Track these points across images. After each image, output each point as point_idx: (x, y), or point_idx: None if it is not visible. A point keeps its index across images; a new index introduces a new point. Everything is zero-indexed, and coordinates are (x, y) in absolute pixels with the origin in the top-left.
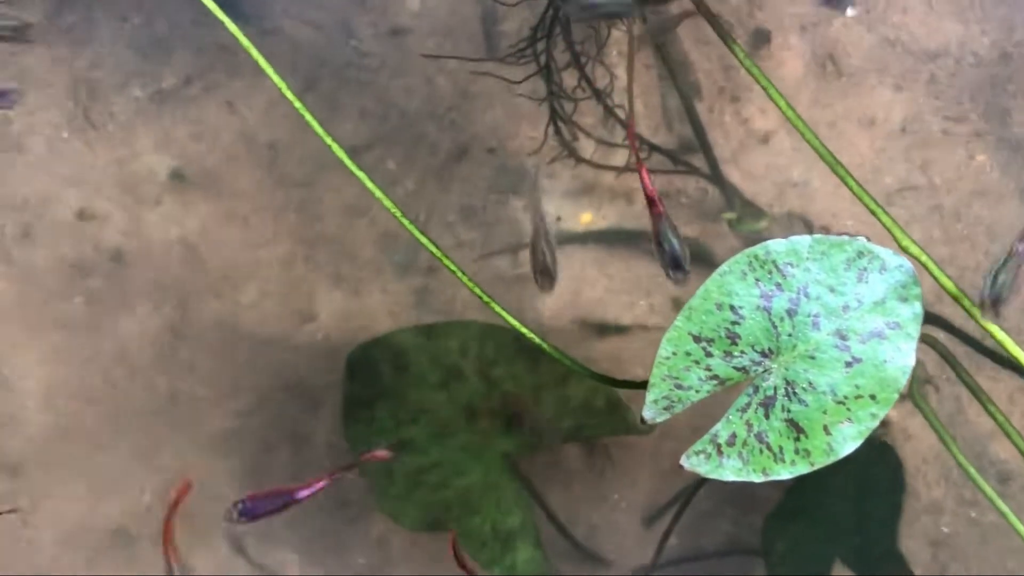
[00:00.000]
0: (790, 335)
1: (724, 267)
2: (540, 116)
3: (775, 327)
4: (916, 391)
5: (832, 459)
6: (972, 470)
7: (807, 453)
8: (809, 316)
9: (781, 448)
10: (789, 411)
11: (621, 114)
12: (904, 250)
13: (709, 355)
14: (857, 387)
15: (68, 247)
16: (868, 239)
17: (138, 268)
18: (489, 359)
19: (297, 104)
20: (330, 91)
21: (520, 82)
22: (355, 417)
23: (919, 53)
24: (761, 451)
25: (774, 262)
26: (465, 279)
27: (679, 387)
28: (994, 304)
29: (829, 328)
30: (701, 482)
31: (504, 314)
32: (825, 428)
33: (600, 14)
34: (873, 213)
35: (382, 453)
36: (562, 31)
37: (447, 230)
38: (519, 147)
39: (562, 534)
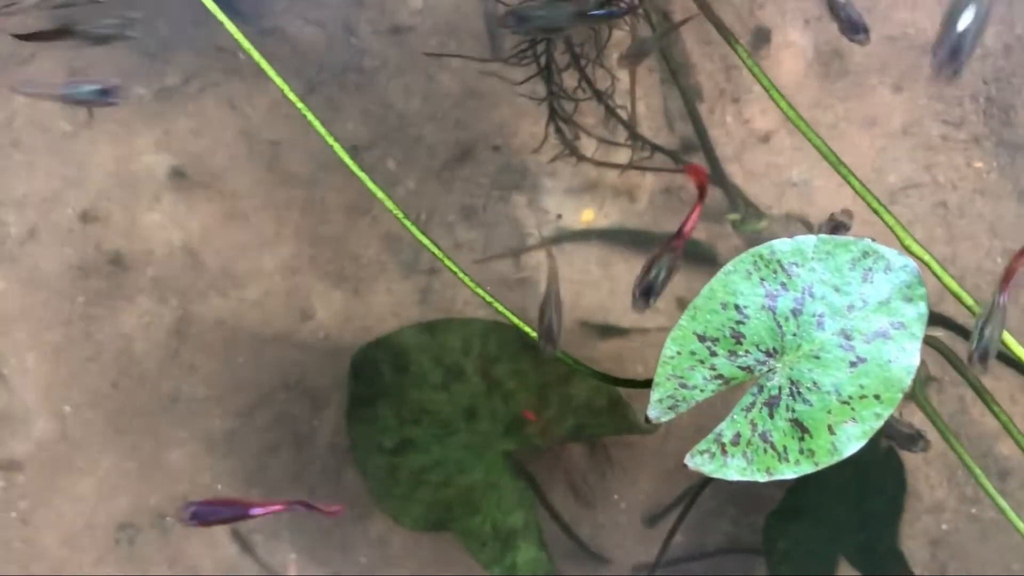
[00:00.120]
0: (795, 335)
1: (729, 266)
2: (542, 115)
3: (780, 327)
4: (919, 391)
5: (836, 459)
6: (977, 470)
7: (811, 453)
8: (814, 316)
9: (785, 448)
10: (793, 411)
11: (623, 115)
12: (907, 249)
13: (714, 354)
14: (861, 387)
15: (69, 247)
16: (873, 239)
17: (139, 267)
18: (492, 357)
19: (299, 105)
20: (331, 91)
21: (521, 83)
22: (358, 417)
23: (923, 50)
24: (765, 451)
25: (779, 262)
26: (467, 279)
27: (684, 386)
28: (982, 359)
29: (834, 328)
30: (705, 482)
31: (507, 312)
32: (829, 428)
33: (537, 28)
34: (876, 212)
35: (334, 509)
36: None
37: (448, 230)
38: (521, 146)
39: (565, 533)
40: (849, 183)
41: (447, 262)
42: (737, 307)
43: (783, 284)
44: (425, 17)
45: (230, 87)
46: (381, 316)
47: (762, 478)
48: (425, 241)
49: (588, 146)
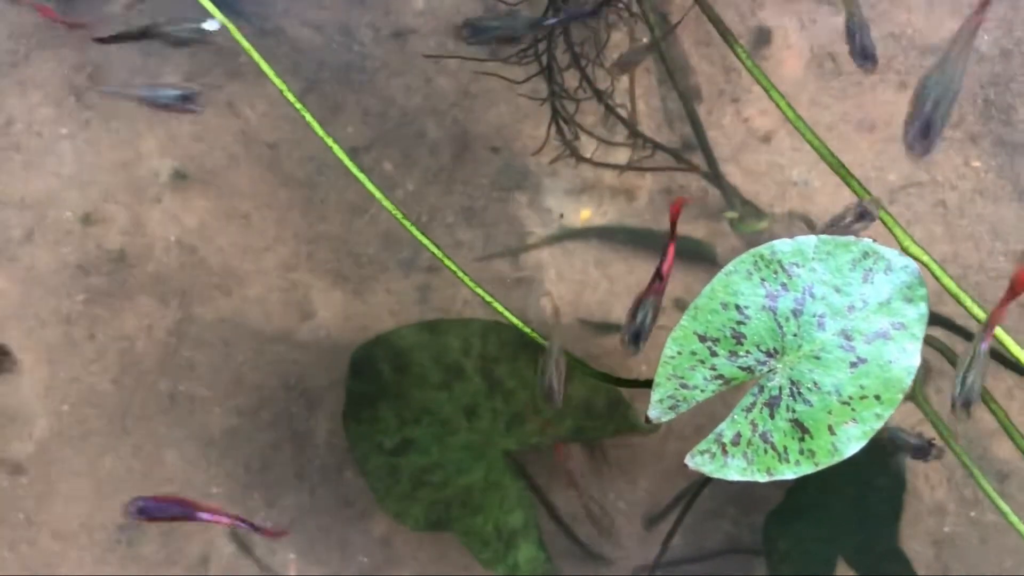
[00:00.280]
0: (795, 335)
1: (730, 267)
2: (542, 115)
3: (780, 327)
4: (918, 391)
5: (837, 459)
6: (975, 469)
7: (812, 453)
8: (814, 316)
9: (786, 448)
10: (794, 411)
11: (623, 114)
12: (905, 250)
13: (714, 355)
14: (862, 387)
15: (70, 246)
16: (874, 240)
17: (139, 267)
18: (491, 357)
19: (298, 106)
20: (331, 91)
21: (522, 82)
22: (358, 417)
23: (922, 49)
24: (766, 451)
25: (780, 262)
26: (466, 279)
27: (684, 386)
28: (965, 406)
29: (834, 328)
30: (705, 482)
31: (506, 313)
32: (830, 428)
33: (494, 38)
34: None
35: (279, 531)
36: (563, 33)
37: (448, 230)
38: (521, 147)
39: (566, 533)
40: (847, 183)
41: (447, 261)
42: (738, 307)
43: (784, 284)
44: (427, 18)
45: (230, 88)
46: (380, 315)
47: (762, 478)
48: (424, 241)
49: (587, 146)
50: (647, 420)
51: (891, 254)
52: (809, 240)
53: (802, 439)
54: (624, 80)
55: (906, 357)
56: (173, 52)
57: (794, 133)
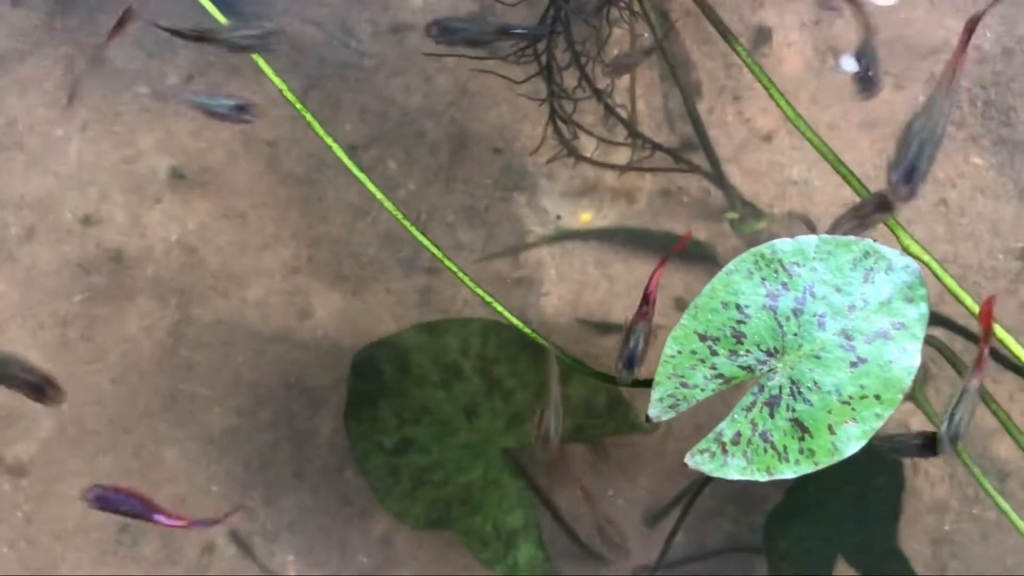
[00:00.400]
0: (796, 335)
1: (730, 266)
2: (542, 115)
3: (781, 326)
4: (918, 390)
5: (837, 459)
6: (975, 468)
7: (811, 453)
8: (815, 316)
9: (785, 447)
10: (794, 410)
11: (623, 114)
12: (906, 249)
13: (715, 354)
14: (862, 387)
15: (69, 246)
16: (874, 239)
17: (139, 267)
18: (491, 357)
19: (298, 106)
20: (332, 90)
21: (522, 82)
22: (358, 416)
23: (921, 49)
24: (765, 450)
25: (780, 261)
26: (466, 279)
27: (684, 385)
28: (952, 441)
29: (835, 328)
30: (705, 481)
31: (506, 313)
32: (830, 428)
33: (460, 40)
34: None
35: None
36: (563, 30)
37: (448, 230)
38: (521, 147)
39: (566, 533)
40: (848, 182)
41: (447, 262)
42: (738, 306)
43: (784, 284)
44: (425, 16)
45: (230, 86)
46: (380, 316)
47: (762, 478)
48: (424, 241)
49: (587, 146)
50: (647, 419)
51: (892, 254)
52: (810, 240)
53: (802, 438)
54: (625, 79)
55: (906, 357)
56: (174, 52)
57: (794, 132)
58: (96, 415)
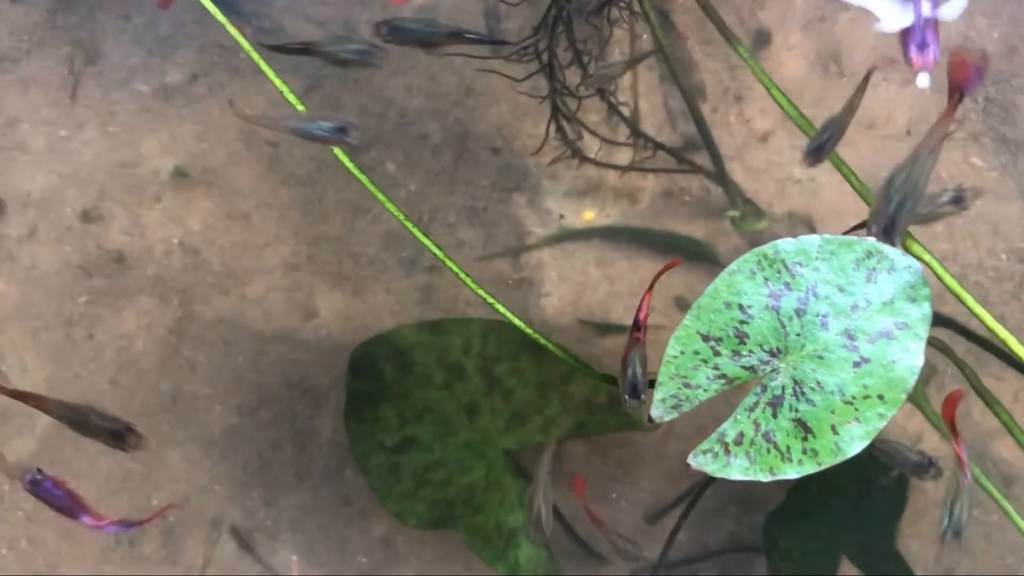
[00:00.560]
0: (798, 335)
1: (733, 266)
2: (544, 114)
3: (784, 326)
4: (919, 391)
5: (840, 459)
6: (977, 469)
7: (815, 453)
8: (818, 316)
9: (788, 448)
10: (797, 411)
11: (625, 112)
12: (908, 249)
13: (717, 354)
14: (865, 387)
15: (69, 245)
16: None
17: (140, 266)
18: (492, 356)
19: (299, 107)
20: (332, 90)
21: (522, 80)
22: (359, 416)
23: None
24: (768, 450)
25: (783, 261)
26: (467, 279)
27: (687, 386)
28: (956, 535)
29: (838, 328)
30: (708, 482)
31: (507, 313)
32: (833, 428)
33: (409, 40)
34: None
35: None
36: (565, 29)
37: (450, 230)
38: (522, 146)
39: (566, 533)
40: (850, 182)
41: (448, 263)
42: (741, 307)
43: (787, 284)
44: (424, 15)
45: (232, 86)
46: (381, 315)
47: (765, 478)
48: (426, 242)
49: (590, 146)
50: (650, 419)
51: (894, 253)
52: (813, 239)
53: (805, 439)
54: (627, 78)
55: (909, 357)
56: (178, 52)
57: (795, 131)
58: None
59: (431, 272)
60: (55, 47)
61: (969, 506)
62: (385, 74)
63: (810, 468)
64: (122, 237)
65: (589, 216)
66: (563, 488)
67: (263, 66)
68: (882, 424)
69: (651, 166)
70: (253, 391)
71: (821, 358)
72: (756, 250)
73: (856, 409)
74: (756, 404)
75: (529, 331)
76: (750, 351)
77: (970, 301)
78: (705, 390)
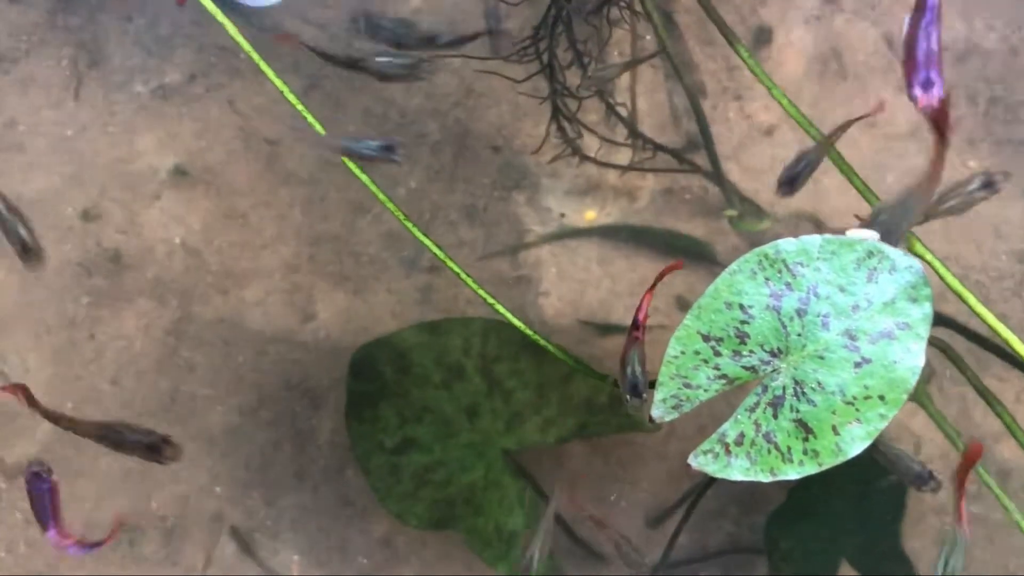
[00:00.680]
0: (799, 335)
1: (734, 266)
2: (544, 114)
3: (784, 327)
4: (920, 390)
5: (841, 459)
6: (980, 469)
7: (815, 453)
8: (819, 316)
9: (789, 448)
10: (798, 411)
11: (623, 112)
12: (909, 249)
13: (718, 354)
14: (866, 387)
15: (69, 245)
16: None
17: (139, 267)
18: (492, 356)
19: (299, 107)
20: (332, 90)
21: (523, 80)
22: (359, 416)
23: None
24: (769, 451)
25: (784, 261)
26: (468, 279)
27: (687, 386)
28: None
29: (838, 328)
30: (709, 483)
31: (506, 313)
32: (834, 428)
33: (383, 39)
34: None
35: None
36: (565, 30)
37: (451, 229)
38: (522, 146)
39: (566, 533)
40: (851, 181)
41: (449, 263)
42: (742, 307)
43: (788, 284)
44: (425, 15)
45: (232, 86)
46: (382, 315)
47: (766, 478)
48: (426, 241)
49: (591, 146)
50: (650, 420)
51: (895, 254)
52: (814, 239)
53: (806, 439)
54: (625, 78)
55: (911, 357)
56: (177, 51)
57: (796, 131)
58: (96, 415)
59: (431, 272)
60: (55, 47)
61: (963, 557)
62: None
63: (811, 469)
64: (122, 237)
65: (591, 216)
66: (563, 489)
67: (263, 66)
68: (883, 424)
69: (651, 166)
70: (253, 391)
71: (822, 358)
72: (757, 250)
73: (857, 409)
74: (757, 404)
75: (529, 332)
76: (751, 351)
77: (971, 300)
78: (706, 390)
